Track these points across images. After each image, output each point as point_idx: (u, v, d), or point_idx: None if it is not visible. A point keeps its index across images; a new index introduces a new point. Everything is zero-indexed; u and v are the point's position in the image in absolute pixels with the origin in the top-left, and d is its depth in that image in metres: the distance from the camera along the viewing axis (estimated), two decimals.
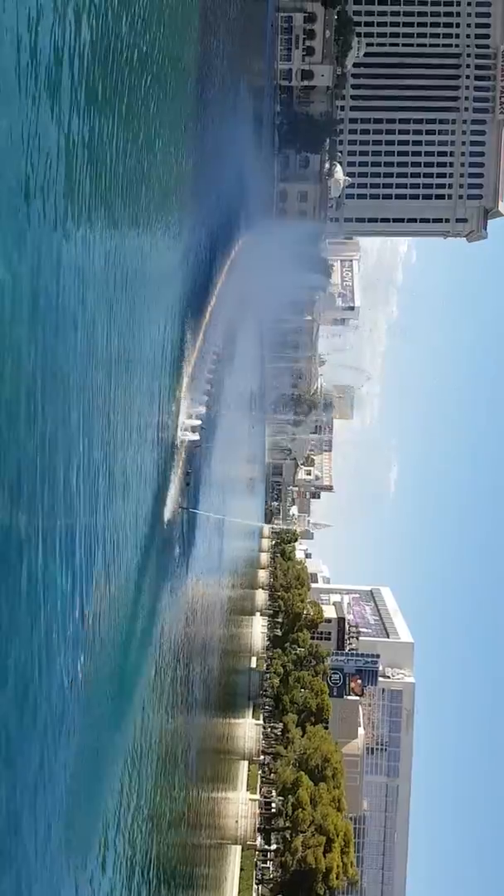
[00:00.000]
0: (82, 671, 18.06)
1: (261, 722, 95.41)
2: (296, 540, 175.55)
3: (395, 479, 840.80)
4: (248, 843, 77.65)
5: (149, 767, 29.23)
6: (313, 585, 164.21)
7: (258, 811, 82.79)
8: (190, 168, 37.87)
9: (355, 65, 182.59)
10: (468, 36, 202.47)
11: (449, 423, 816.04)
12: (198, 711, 45.24)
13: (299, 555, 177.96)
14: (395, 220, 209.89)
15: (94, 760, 20.68)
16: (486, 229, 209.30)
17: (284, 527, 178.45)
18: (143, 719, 28.28)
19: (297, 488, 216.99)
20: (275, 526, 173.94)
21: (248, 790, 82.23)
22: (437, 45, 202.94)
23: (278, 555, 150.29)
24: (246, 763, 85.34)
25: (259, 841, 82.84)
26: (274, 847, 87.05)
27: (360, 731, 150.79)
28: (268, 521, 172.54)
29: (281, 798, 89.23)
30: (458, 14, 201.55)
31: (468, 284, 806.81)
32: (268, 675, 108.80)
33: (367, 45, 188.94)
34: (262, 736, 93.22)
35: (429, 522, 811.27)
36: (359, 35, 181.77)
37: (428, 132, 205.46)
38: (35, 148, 14.05)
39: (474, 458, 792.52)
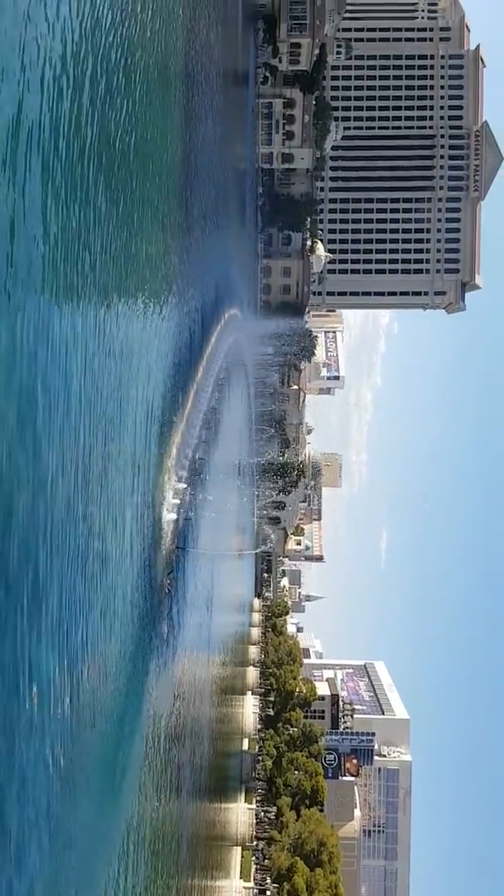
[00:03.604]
0: (65, 757, 17.23)
1: (254, 806, 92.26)
2: (287, 613, 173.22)
3: (386, 547, 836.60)
4: None
5: (137, 856, 27.89)
6: (305, 661, 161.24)
7: None
8: (176, 249, 38.48)
9: (334, 147, 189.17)
10: (442, 118, 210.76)
11: (437, 489, 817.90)
12: (188, 797, 43.59)
13: (290, 629, 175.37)
14: (375, 294, 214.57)
15: (80, 850, 19.61)
16: (464, 301, 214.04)
17: (275, 600, 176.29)
18: (130, 806, 27.09)
19: (287, 559, 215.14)
20: (265, 600, 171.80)
21: (241, 878, 78.89)
22: (412, 127, 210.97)
23: (269, 629, 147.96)
24: (239, 849, 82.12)
25: None
26: None
27: (357, 812, 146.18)
28: (258, 594, 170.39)
29: (276, 885, 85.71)
30: (432, 97, 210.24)
31: (449, 353, 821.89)
32: (260, 758, 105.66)
33: (345, 128, 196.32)
34: (255, 820, 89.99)
35: (421, 593, 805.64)
36: (336, 119, 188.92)
37: (405, 210, 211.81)
38: (26, 234, 14.13)
39: (465, 524, 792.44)
